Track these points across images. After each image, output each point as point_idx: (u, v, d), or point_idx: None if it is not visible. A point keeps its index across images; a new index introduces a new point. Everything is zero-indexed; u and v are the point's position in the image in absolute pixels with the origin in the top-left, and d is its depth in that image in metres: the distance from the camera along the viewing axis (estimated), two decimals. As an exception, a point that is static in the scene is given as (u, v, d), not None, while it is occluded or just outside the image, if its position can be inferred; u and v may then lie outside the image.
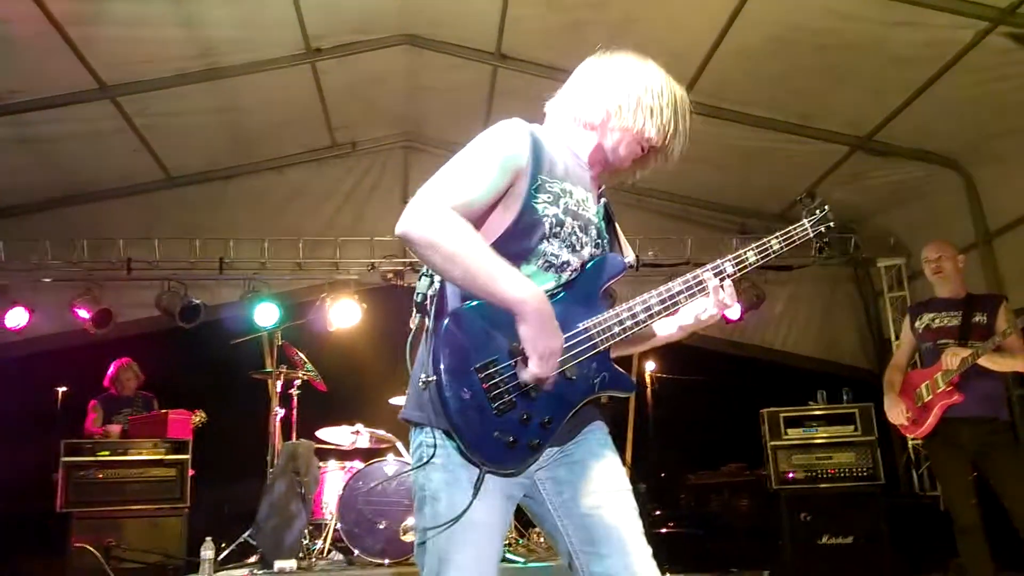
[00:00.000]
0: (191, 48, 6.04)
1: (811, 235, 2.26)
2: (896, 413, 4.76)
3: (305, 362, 6.81)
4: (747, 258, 2.17)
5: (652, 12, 5.59)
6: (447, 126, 7.94)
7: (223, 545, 6.01)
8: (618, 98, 2.09)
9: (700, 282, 2.12)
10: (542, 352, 1.82)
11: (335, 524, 5.91)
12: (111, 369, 7.21)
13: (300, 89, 6.92)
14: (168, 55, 6.07)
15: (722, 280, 2.13)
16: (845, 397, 6.96)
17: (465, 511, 1.87)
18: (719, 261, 2.16)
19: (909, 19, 5.19)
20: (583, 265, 2.06)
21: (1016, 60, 5.36)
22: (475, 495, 1.87)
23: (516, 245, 1.95)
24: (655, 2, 5.52)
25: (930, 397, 4.56)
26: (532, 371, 1.83)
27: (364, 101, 7.57)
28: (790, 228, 2.24)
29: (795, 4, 5.27)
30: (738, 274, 2.15)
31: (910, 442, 7.99)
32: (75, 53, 5.72)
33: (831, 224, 2.28)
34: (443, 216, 1.83)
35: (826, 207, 2.28)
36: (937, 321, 4.79)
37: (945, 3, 5.02)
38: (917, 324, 4.87)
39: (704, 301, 2.14)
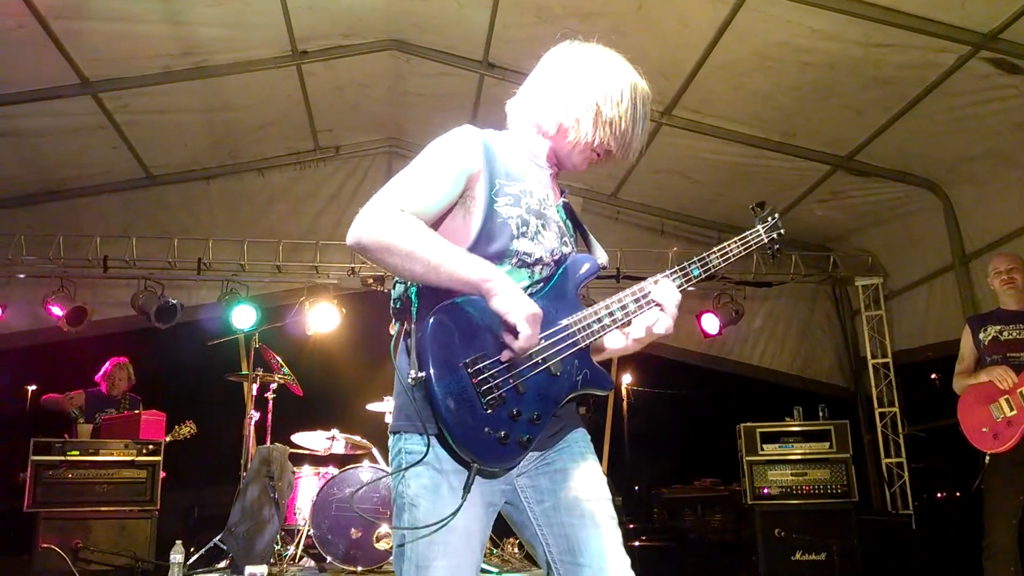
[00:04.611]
0: (176, 46, 6.00)
1: (764, 240, 2.26)
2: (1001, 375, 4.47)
3: (282, 365, 6.75)
4: (710, 261, 2.15)
5: (640, 25, 5.61)
6: (432, 133, 7.73)
7: (192, 549, 5.94)
8: (575, 111, 2.07)
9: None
10: (527, 317, 1.81)
11: (308, 530, 5.84)
12: (107, 366, 7.12)
13: (285, 91, 6.89)
14: (153, 52, 6.02)
15: (689, 284, 2.12)
16: (821, 414, 7.00)
17: (454, 514, 1.83)
18: (684, 264, 2.13)
19: (892, 41, 5.25)
20: (558, 263, 2.06)
21: (997, 85, 5.43)
22: (465, 494, 1.84)
23: (487, 249, 1.94)
24: (643, 16, 5.54)
25: (1014, 412, 4.36)
26: (519, 344, 1.82)
27: (349, 105, 7.55)
28: (747, 233, 2.25)
29: (781, 22, 5.30)
30: (703, 277, 2.14)
31: (883, 461, 8.05)
32: (58, 47, 5.66)
33: (782, 231, 2.30)
34: (392, 217, 1.83)
35: (776, 215, 2.31)
36: (1006, 333, 4.64)
37: (927, 27, 5.06)
38: (982, 336, 4.71)
39: (655, 312, 2.07)
